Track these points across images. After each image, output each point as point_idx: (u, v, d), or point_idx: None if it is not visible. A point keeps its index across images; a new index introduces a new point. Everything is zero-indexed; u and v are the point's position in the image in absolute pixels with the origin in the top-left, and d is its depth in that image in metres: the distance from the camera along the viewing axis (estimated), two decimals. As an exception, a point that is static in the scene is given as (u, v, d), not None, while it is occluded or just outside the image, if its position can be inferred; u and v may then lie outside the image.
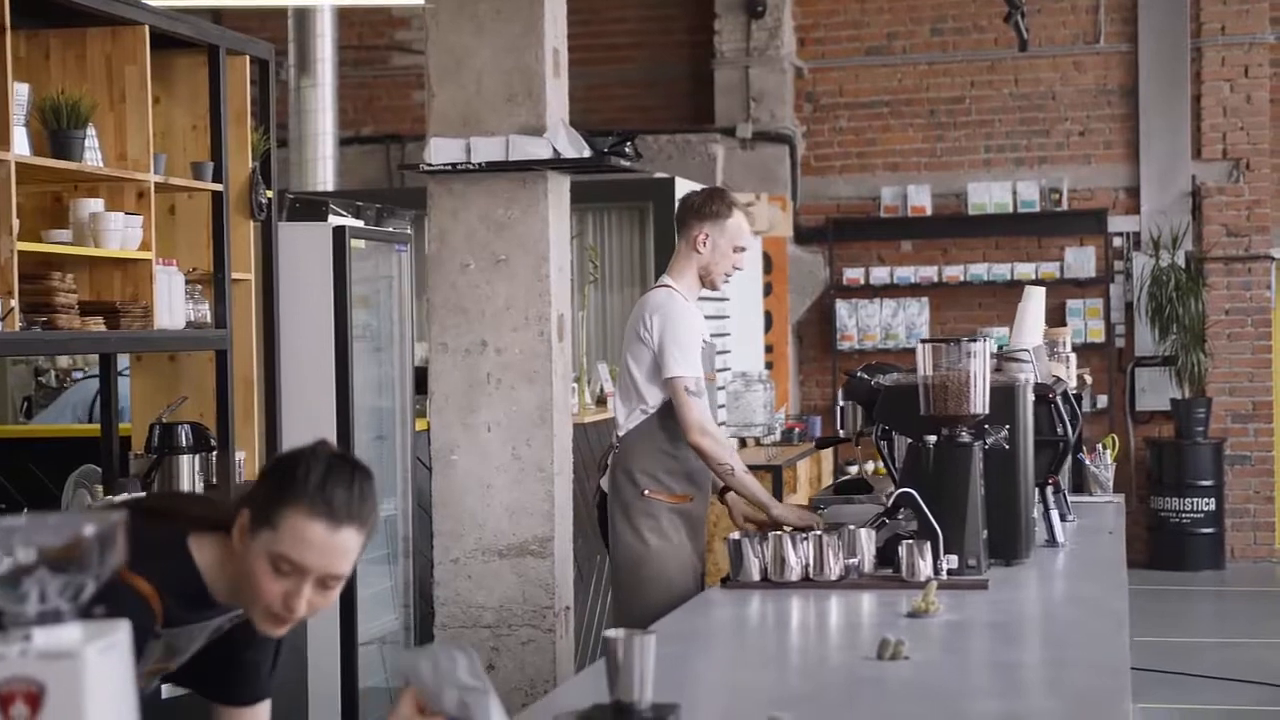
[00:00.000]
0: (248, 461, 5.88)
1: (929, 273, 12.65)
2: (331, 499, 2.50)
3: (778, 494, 9.09)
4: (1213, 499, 12.05)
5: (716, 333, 10.28)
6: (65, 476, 5.79)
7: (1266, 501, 12.47)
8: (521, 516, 5.61)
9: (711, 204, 5.22)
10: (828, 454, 11.20)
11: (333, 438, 6.13)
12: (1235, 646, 9.50)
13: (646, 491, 5.09)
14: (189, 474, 5.52)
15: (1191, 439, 12.09)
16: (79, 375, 8.38)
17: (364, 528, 2.54)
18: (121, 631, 1.80)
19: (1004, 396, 4.49)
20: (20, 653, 1.73)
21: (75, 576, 1.79)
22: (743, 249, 5.26)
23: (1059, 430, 4.95)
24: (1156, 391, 12.40)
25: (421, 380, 6.17)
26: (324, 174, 10.07)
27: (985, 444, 4.37)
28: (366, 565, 6.54)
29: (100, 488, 5.50)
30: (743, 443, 10.35)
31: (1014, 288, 12.34)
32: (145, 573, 2.51)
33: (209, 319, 5.62)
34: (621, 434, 5.17)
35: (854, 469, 11.04)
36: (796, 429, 11.03)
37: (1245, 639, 9.74)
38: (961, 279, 12.59)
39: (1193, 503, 12.02)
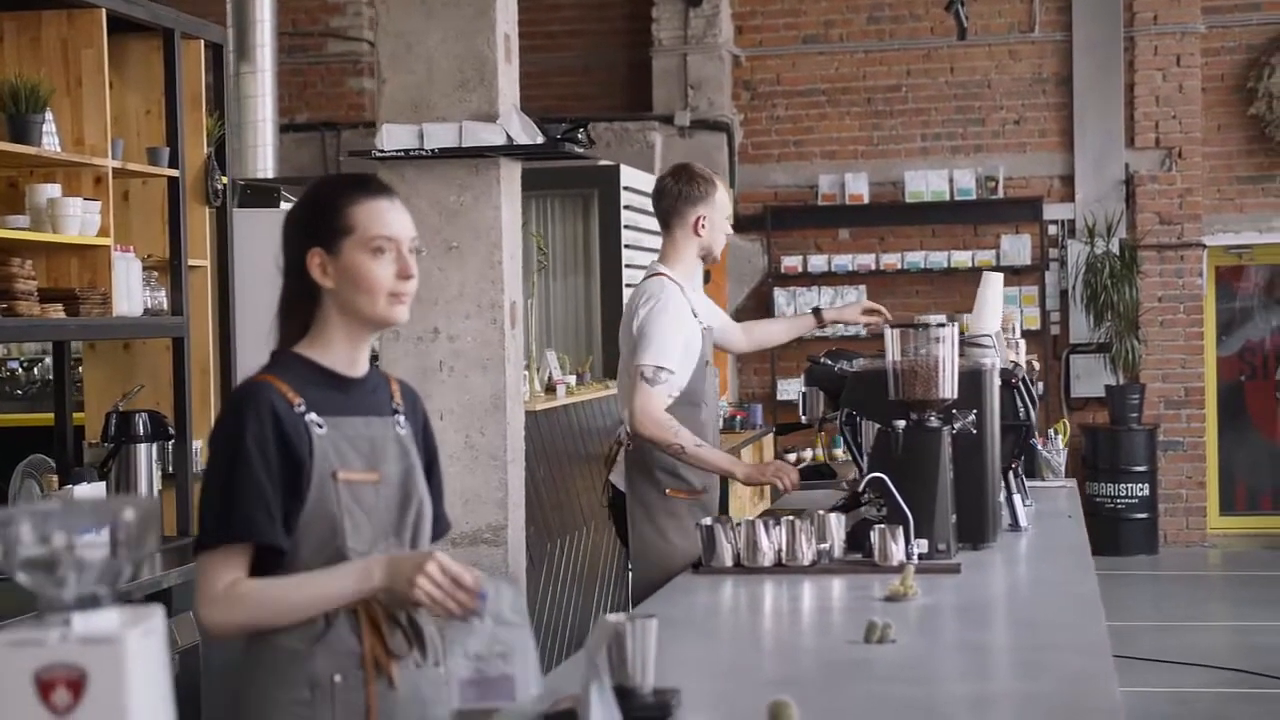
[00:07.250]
0: (204, 450, 5.82)
1: (866, 260, 12.70)
2: (370, 183, 2.83)
3: (724, 480, 9.06)
4: (1146, 484, 12.18)
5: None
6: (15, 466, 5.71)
7: (1198, 486, 12.62)
8: (475, 504, 5.60)
9: (698, 185, 5.17)
10: (768, 441, 11.24)
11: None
12: (1170, 630, 9.61)
13: (668, 491, 5.04)
14: (146, 462, 5.46)
15: (1125, 425, 12.21)
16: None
17: None
18: (157, 618, 1.78)
19: (971, 381, 4.51)
20: (60, 638, 1.71)
21: (113, 561, 1.77)
22: (729, 215, 5.30)
23: (1021, 414, 4.98)
24: (1091, 378, 12.51)
25: (375, 367, 6.12)
26: (264, 161, 9.95)
27: (953, 428, 4.40)
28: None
29: (55, 478, 5.43)
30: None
31: (950, 275, 12.44)
32: (267, 374, 2.78)
33: (165, 306, 5.55)
34: (633, 431, 5.06)
35: (792, 456, 11.08)
36: (739, 416, 11.06)
37: (1179, 622, 9.86)
38: (899, 267, 12.65)
39: (1127, 488, 12.14)
